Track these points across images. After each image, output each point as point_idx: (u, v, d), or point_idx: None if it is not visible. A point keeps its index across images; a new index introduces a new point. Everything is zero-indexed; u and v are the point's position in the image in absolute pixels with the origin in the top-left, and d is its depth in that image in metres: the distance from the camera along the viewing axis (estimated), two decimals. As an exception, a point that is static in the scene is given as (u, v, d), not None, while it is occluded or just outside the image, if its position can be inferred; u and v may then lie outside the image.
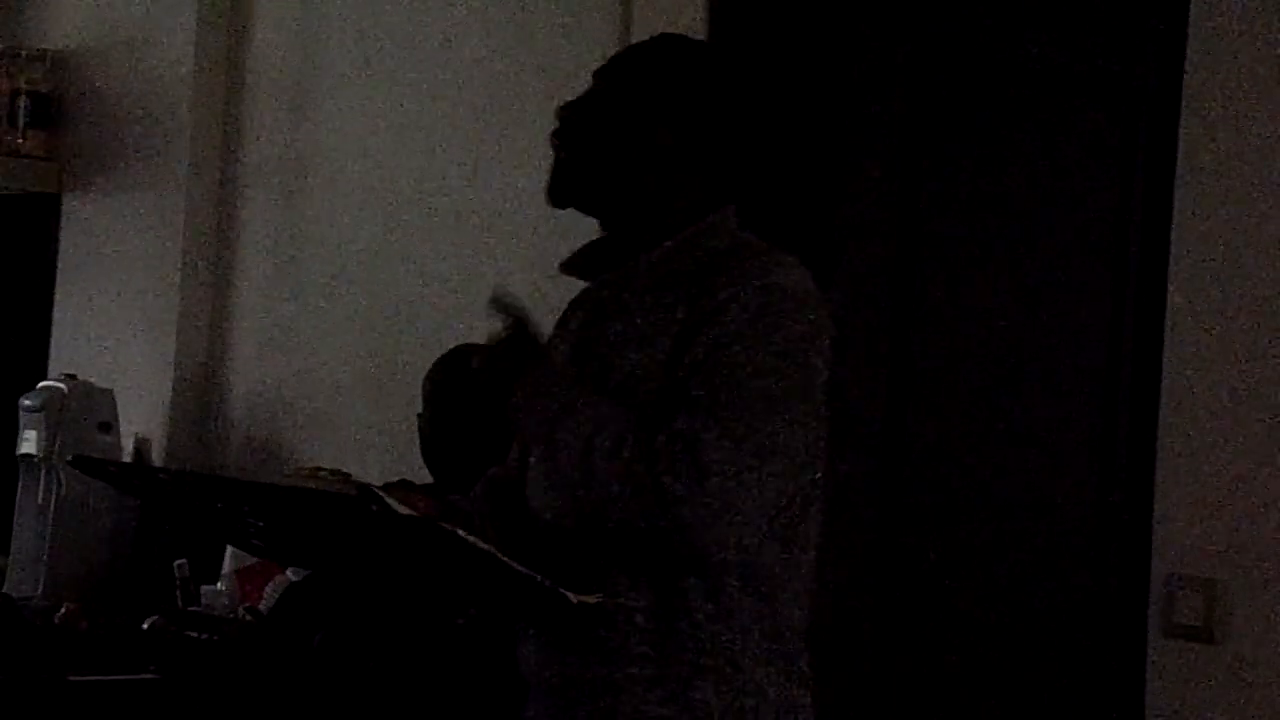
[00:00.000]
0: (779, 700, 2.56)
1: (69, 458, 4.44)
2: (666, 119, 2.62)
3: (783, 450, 2.46)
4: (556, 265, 2.71)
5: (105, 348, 5.35)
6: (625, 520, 2.47)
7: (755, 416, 2.45)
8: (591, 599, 2.45)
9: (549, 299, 2.77)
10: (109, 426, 4.97)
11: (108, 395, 5.01)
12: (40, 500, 4.95)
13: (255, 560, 4.32)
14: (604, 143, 2.62)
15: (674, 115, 2.62)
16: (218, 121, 5.22)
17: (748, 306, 2.49)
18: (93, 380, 5.04)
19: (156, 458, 5.13)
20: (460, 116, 4.55)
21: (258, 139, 5.16)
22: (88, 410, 4.95)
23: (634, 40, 4.06)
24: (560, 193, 2.65)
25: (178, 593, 4.67)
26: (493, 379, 2.58)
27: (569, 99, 2.67)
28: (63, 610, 4.59)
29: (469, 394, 3.13)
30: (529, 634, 2.64)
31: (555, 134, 2.66)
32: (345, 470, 4.54)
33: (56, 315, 5.59)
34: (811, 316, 2.53)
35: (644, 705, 2.52)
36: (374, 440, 4.63)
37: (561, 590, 2.43)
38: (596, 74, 2.69)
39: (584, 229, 2.73)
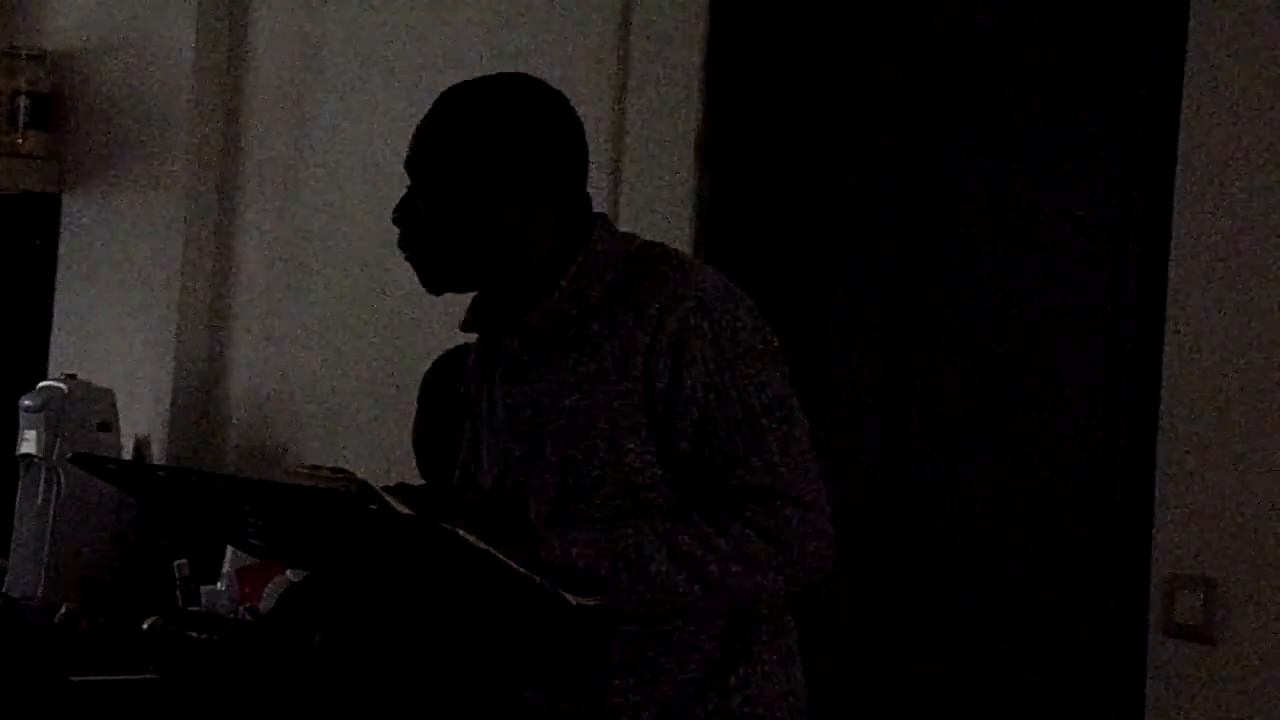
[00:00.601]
0: (801, 683, 2.64)
1: (69, 456, 4.44)
2: (488, 171, 2.59)
3: (810, 444, 2.55)
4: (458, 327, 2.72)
5: (105, 348, 5.35)
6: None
7: (791, 429, 2.52)
8: (590, 601, 2.45)
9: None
10: (109, 426, 4.97)
11: (108, 395, 5.01)
12: (40, 500, 4.95)
13: (255, 560, 4.32)
14: (442, 229, 2.61)
15: (494, 163, 2.59)
16: (218, 121, 5.22)
17: (701, 332, 2.50)
18: (93, 380, 5.04)
19: (156, 457, 5.13)
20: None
21: (258, 139, 5.16)
22: (88, 410, 4.96)
23: (633, 41, 4.08)
24: (433, 286, 2.67)
25: (178, 593, 4.67)
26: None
27: (399, 202, 2.64)
28: (63, 610, 4.59)
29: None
30: (535, 678, 2.65)
31: (399, 242, 2.65)
32: (345, 469, 4.54)
33: (56, 315, 5.60)
34: (748, 304, 2.57)
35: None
36: (374, 440, 4.63)
37: (560, 592, 2.42)
38: (405, 165, 2.66)
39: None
